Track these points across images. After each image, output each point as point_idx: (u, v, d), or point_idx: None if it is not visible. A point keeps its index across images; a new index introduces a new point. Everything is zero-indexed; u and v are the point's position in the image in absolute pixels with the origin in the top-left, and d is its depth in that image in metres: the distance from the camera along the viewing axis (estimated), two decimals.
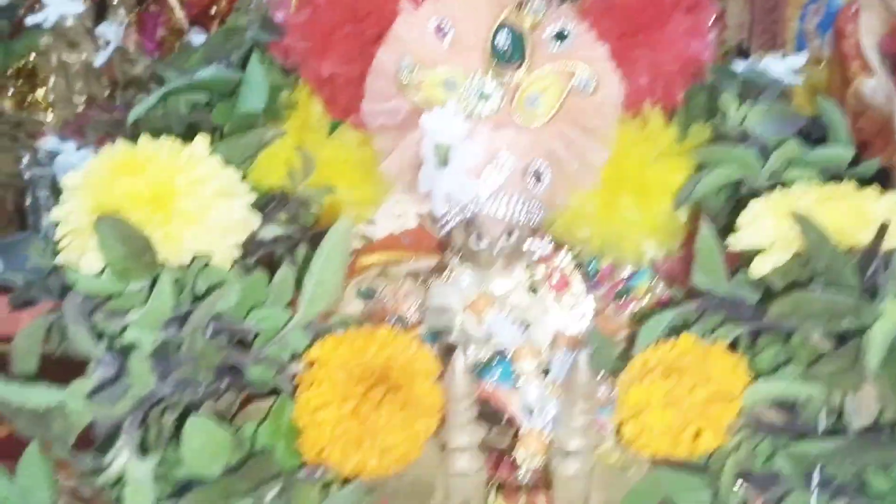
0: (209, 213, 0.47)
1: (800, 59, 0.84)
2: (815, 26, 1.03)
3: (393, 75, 0.55)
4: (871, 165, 0.61)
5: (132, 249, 0.43)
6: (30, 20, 1.01)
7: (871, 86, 0.88)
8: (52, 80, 1.06)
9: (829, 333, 0.41)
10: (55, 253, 0.49)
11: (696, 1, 0.58)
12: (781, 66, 0.85)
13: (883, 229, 0.43)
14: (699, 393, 0.42)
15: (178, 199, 0.47)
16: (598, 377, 0.50)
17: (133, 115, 0.58)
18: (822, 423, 0.42)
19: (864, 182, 0.61)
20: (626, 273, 0.62)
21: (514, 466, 0.48)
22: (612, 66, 0.53)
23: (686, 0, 0.57)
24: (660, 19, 0.57)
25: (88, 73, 1.06)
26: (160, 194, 0.47)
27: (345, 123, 0.61)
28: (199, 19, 1.07)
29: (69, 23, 1.03)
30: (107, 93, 1.08)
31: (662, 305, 0.59)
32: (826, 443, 0.39)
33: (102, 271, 0.44)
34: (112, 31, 1.03)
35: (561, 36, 0.53)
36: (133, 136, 0.57)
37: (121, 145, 0.50)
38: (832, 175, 0.60)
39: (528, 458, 0.48)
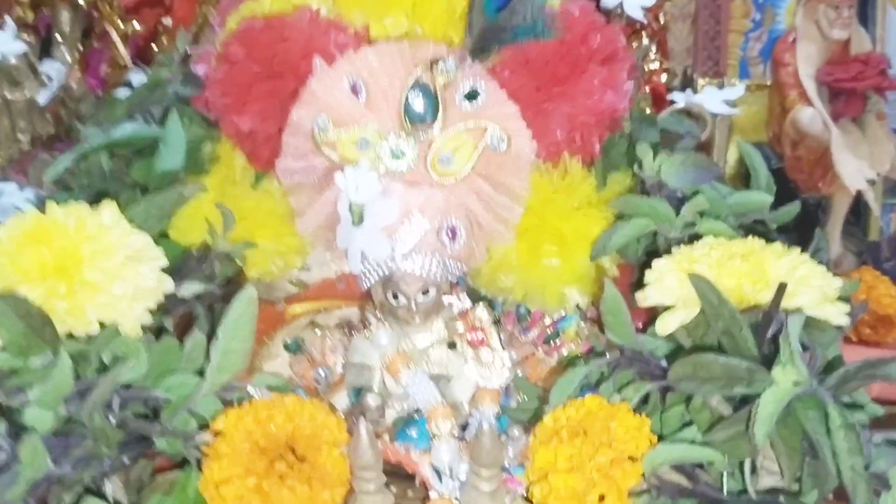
0: (116, 282, 0.47)
1: (736, 91, 0.86)
2: (757, 53, 1.05)
3: (308, 133, 0.55)
4: (789, 212, 0.62)
5: (31, 325, 0.43)
6: None
7: (809, 115, 0.91)
8: None
9: (728, 398, 0.42)
10: None
11: (611, 53, 0.59)
12: (718, 98, 0.86)
13: (781, 290, 0.43)
14: (603, 456, 0.43)
15: (84, 269, 0.47)
16: (513, 437, 0.50)
17: (50, 174, 0.59)
18: (726, 485, 0.43)
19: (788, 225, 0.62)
20: (556, 317, 0.64)
21: None
22: (524, 124, 0.54)
23: (601, 52, 0.59)
24: (575, 72, 0.58)
25: (32, 111, 1.05)
26: (65, 265, 0.47)
27: (269, 175, 0.61)
28: (141, 55, 1.07)
29: (12, 61, 1.00)
30: (52, 131, 1.05)
31: (589, 352, 0.60)
32: None
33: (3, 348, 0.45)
34: (55, 68, 1.03)
35: (472, 95, 0.54)
36: (52, 194, 0.58)
37: (29, 214, 0.50)
38: (754, 220, 0.62)
39: None
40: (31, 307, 0.43)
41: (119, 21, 1.12)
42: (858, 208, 1.03)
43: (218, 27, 0.64)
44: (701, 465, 0.44)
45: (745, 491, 0.42)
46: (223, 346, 0.46)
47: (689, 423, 0.45)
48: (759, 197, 0.59)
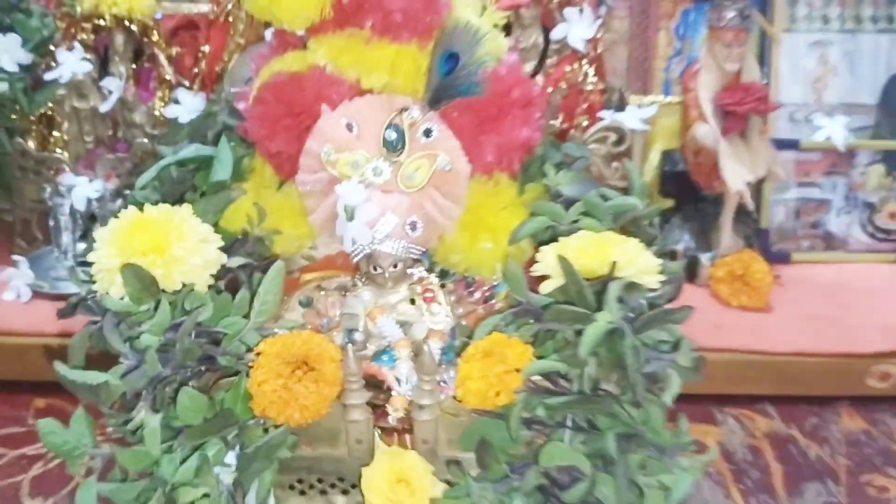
0: (193, 256, 0.68)
1: (649, 111, 1.08)
2: (678, 75, 1.22)
3: (317, 156, 0.74)
4: (655, 211, 0.84)
5: (143, 284, 0.66)
6: (47, 76, 1.11)
7: (704, 131, 1.10)
8: (65, 124, 1.16)
9: (575, 332, 0.66)
10: (90, 282, 0.72)
11: (527, 101, 0.79)
12: (636, 116, 1.09)
13: (613, 267, 0.67)
14: (500, 368, 0.65)
15: (172, 247, 0.68)
16: (454, 363, 0.74)
17: (139, 182, 0.80)
18: (575, 387, 0.66)
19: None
20: (491, 284, 0.86)
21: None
22: (462, 152, 0.74)
23: (520, 101, 0.78)
24: (502, 114, 0.77)
25: (95, 117, 1.16)
26: (159, 245, 0.68)
27: (290, 182, 0.79)
28: (184, 73, 1.21)
29: (79, 77, 1.12)
30: (110, 133, 1.17)
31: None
32: (561, 399, 0.63)
33: (124, 297, 0.68)
34: (114, 83, 1.14)
35: (428, 132, 0.74)
36: (138, 194, 0.80)
37: (132, 211, 0.73)
38: (632, 217, 0.83)
39: (395, 412, 0.70)
40: (143, 271, 0.66)
41: (164, 44, 1.19)
42: (756, 202, 1.21)
43: (253, 75, 0.83)
44: (563, 376, 0.68)
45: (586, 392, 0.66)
46: (262, 298, 0.68)
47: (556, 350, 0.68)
48: (632, 201, 0.79)
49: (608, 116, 1.08)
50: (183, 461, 0.62)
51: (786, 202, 1.24)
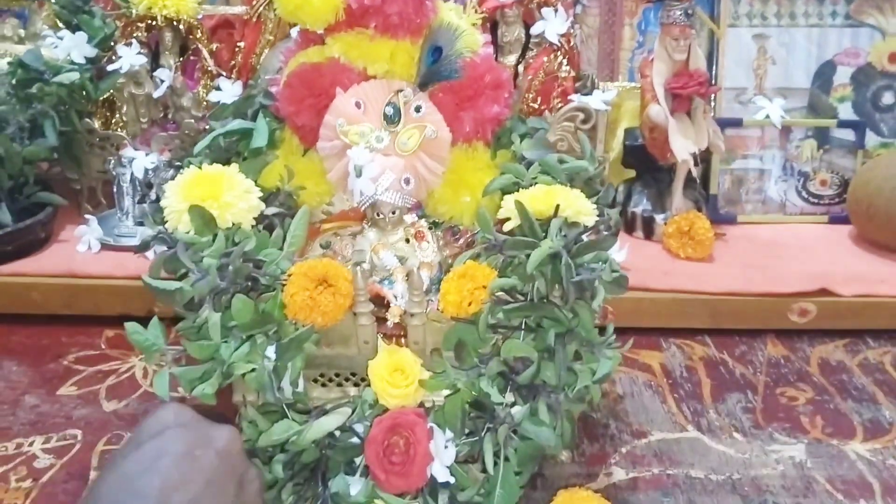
0: (240, 202, 0.86)
1: (610, 95, 1.28)
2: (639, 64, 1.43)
3: (333, 128, 0.89)
4: (599, 171, 1.04)
5: (204, 221, 0.88)
6: (109, 67, 1.28)
7: (656, 110, 1.29)
8: (125, 107, 1.33)
9: (526, 256, 0.87)
10: (161, 222, 0.94)
11: (498, 83, 0.96)
12: (599, 99, 1.29)
13: (556, 209, 0.88)
14: (471, 284, 0.83)
15: (223, 195, 0.86)
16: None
17: (197, 149, 1.00)
18: (529, 297, 0.87)
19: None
20: (474, 231, 1.05)
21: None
22: (445, 123, 0.92)
23: (492, 83, 0.95)
24: (477, 94, 0.94)
25: (150, 102, 1.32)
26: (214, 193, 0.85)
27: (312, 149, 0.94)
28: (222, 65, 1.37)
29: (136, 69, 1.29)
30: (162, 115, 1.33)
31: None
32: (517, 306, 0.83)
33: (190, 231, 0.89)
34: (165, 73, 1.30)
35: (418, 108, 0.89)
36: (196, 156, 1.01)
37: (192, 170, 0.94)
38: (585, 178, 1.03)
39: (393, 319, 0.84)
40: (204, 211, 0.87)
41: (206, 40, 1.36)
42: (707, 172, 1.42)
43: (283, 66, 1.01)
44: (519, 291, 0.88)
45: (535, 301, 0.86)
46: (292, 234, 0.86)
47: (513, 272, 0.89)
48: (583, 164, 0.99)
49: (577, 99, 1.27)
50: (237, 349, 0.83)
51: (732, 172, 1.42)
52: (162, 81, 1.30)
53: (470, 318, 0.79)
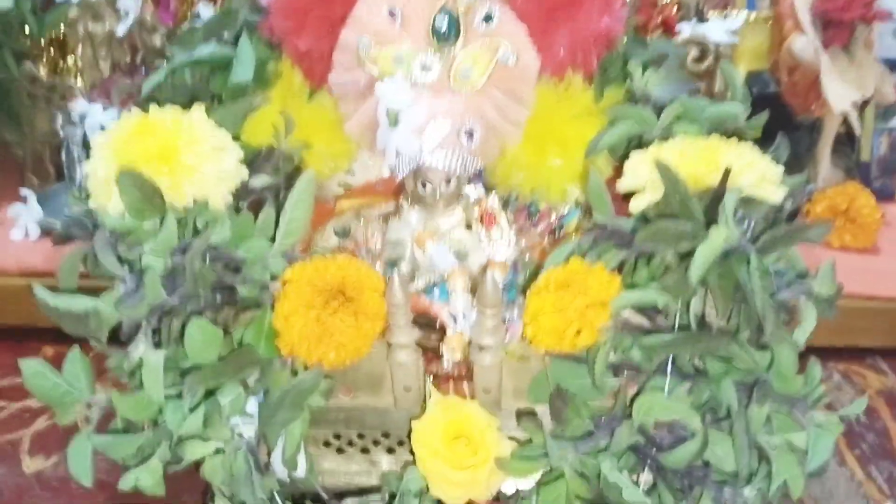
0: (205, 164, 0.59)
1: (737, 21, 0.96)
2: None
3: (354, 51, 0.66)
4: (759, 120, 0.71)
5: (145, 195, 0.56)
6: None
7: (802, 43, 1.00)
8: (80, 48, 1.16)
9: (677, 255, 0.53)
10: (88, 199, 0.63)
11: None
12: (721, 28, 0.96)
13: (726, 174, 0.54)
14: (580, 301, 0.55)
15: (181, 154, 0.59)
16: (518, 303, 0.63)
17: (146, 86, 0.71)
18: (677, 323, 0.54)
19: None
20: (561, 213, 0.75)
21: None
22: (530, 42, 0.64)
23: None
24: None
25: (112, 41, 1.16)
26: (166, 152, 0.59)
27: (322, 90, 0.72)
28: None
29: None
30: (128, 59, 1.17)
31: None
32: (664, 336, 0.51)
33: (123, 213, 0.58)
34: (131, 3, 1.12)
35: (488, 18, 0.64)
36: (147, 102, 0.70)
37: (135, 113, 0.63)
38: (733, 129, 0.72)
39: (450, 353, 0.61)
40: (144, 180, 0.56)
41: None
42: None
43: None
44: (659, 311, 0.56)
45: (689, 326, 0.54)
46: (289, 215, 0.59)
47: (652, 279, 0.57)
48: (733, 107, 0.68)
49: (688, 28, 0.96)
50: (193, 409, 0.52)
51: (891, 132, 1.16)
52: (127, 13, 1.13)
53: (578, 353, 0.57)
